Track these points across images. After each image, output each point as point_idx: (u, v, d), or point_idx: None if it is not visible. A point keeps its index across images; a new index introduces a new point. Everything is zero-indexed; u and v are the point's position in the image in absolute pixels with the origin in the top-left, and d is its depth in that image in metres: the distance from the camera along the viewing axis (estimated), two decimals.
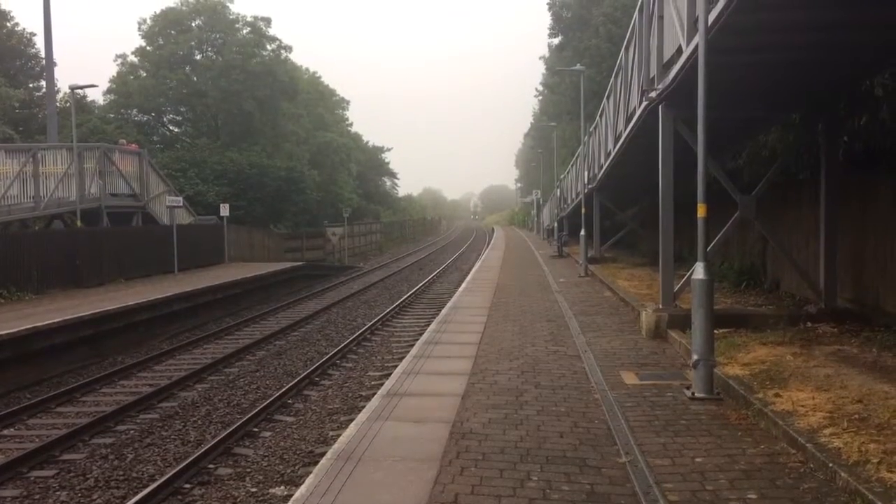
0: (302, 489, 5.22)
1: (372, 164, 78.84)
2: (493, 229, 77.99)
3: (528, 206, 77.14)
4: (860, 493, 4.66)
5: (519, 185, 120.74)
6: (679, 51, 9.78)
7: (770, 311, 11.47)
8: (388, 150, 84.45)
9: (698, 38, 7.69)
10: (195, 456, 8.42)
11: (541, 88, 65.95)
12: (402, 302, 21.80)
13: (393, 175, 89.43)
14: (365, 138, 79.46)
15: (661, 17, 10.96)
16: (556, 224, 39.27)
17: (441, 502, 4.90)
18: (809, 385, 7.10)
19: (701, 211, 7.76)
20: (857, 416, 6.05)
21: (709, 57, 7.56)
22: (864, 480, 4.78)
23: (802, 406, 6.43)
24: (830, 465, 5.11)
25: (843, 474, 4.93)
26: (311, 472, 5.71)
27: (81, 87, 27.14)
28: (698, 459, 5.64)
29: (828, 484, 5.03)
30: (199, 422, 10.40)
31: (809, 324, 10.44)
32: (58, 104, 32.08)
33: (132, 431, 9.96)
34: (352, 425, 6.78)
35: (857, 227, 11.14)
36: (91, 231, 22.95)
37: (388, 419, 6.83)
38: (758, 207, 11.56)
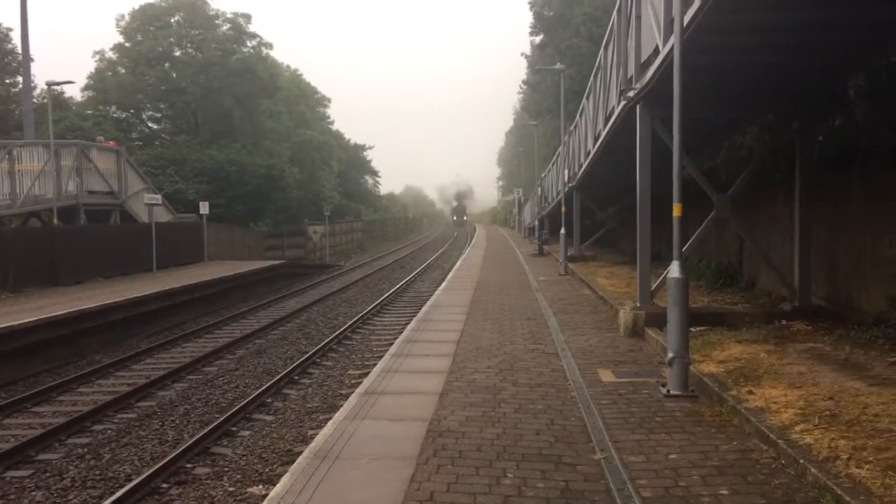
0: (278, 488, 5.22)
1: (353, 162, 78.62)
2: (474, 228, 78.05)
3: (510, 204, 77.29)
4: (829, 488, 4.73)
5: (501, 183, 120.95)
6: (656, 51, 9.86)
7: (745, 310, 11.60)
8: (370, 148, 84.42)
9: (674, 39, 7.76)
10: (173, 455, 8.39)
11: (523, 86, 66.04)
12: (382, 300, 21.80)
13: (375, 173, 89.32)
14: (346, 136, 79.28)
15: (638, 18, 11.03)
16: (536, 222, 39.41)
17: (416, 500, 4.92)
18: (782, 382, 7.19)
19: (676, 210, 7.82)
20: (828, 412, 6.14)
21: (684, 58, 7.63)
22: (834, 476, 4.86)
23: (775, 403, 6.52)
24: (801, 461, 5.19)
25: (813, 470, 5.01)
26: (288, 471, 5.71)
27: (59, 84, 26.79)
28: (672, 456, 5.71)
29: (798, 479, 5.11)
30: (177, 421, 10.35)
31: (784, 322, 10.55)
32: (35, 100, 31.72)
33: (109, 431, 9.90)
34: (329, 424, 6.80)
35: (832, 226, 11.30)
36: (68, 229, 22.73)
37: (366, 418, 6.84)
38: (734, 206, 11.67)
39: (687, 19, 7.72)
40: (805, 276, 11.19)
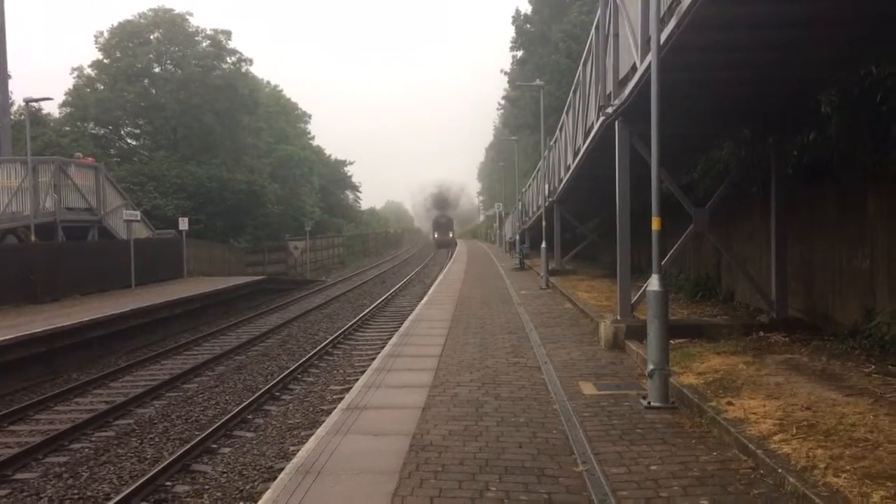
0: None
1: (334, 177, 78.54)
2: (455, 242, 77.97)
3: (491, 219, 77.47)
4: (807, 497, 4.79)
5: (481, 198, 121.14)
6: (634, 68, 9.99)
7: (724, 322, 11.72)
8: (351, 163, 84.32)
9: (651, 57, 7.88)
10: (152, 473, 8.31)
11: (503, 102, 66.51)
12: (364, 315, 21.76)
13: (356, 188, 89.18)
14: (327, 151, 79.27)
15: (616, 36, 11.18)
16: (517, 237, 39.56)
17: None
18: (761, 393, 7.28)
19: (655, 224, 7.92)
20: (805, 422, 6.22)
21: (661, 75, 7.75)
22: (812, 485, 4.92)
23: (754, 413, 6.59)
24: (779, 470, 5.25)
25: (791, 479, 5.07)
26: (270, 488, 5.69)
27: (37, 100, 26.62)
28: (653, 467, 5.75)
29: (777, 489, 5.17)
30: (157, 439, 10.25)
31: (762, 333, 10.67)
32: (12, 117, 31.43)
33: (87, 450, 9.78)
34: (311, 439, 6.77)
35: (807, 238, 11.47)
36: (46, 246, 22.49)
37: (349, 433, 6.83)
38: (712, 220, 11.81)
39: (663, 38, 7.84)
40: (782, 289, 11.33)
